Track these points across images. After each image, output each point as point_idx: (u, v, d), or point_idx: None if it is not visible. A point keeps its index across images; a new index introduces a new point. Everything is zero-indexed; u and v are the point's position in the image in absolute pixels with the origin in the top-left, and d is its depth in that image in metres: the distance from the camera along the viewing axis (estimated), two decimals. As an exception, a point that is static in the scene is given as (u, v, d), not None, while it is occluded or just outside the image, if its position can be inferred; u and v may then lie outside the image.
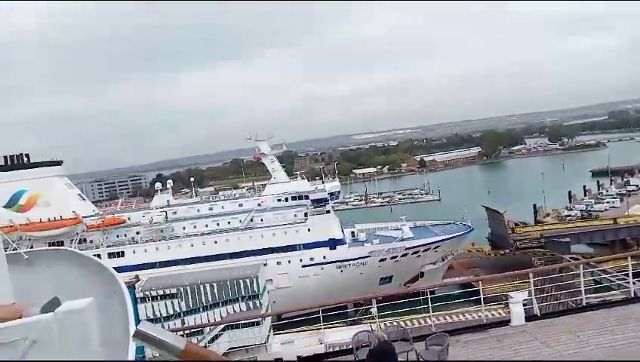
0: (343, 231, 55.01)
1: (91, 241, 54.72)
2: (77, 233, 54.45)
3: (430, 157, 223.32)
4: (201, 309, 33.91)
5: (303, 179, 61.62)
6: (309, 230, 52.47)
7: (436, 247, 53.83)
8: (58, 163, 60.09)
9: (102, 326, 2.59)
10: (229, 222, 54.09)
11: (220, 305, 33.70)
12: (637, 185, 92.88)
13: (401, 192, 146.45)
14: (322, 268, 51.84)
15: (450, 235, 54.96)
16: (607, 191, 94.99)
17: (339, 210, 73.71)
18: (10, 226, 48.97)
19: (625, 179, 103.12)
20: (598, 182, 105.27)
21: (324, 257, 52.04)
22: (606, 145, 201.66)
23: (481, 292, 14.16)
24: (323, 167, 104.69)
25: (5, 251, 3.87)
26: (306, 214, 53.72)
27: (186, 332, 22.90)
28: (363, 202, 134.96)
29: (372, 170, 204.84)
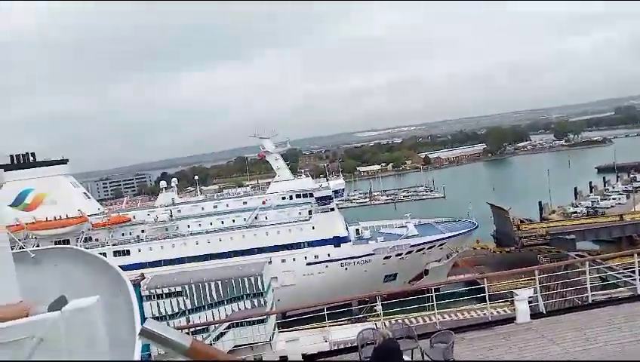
0: (347, 228, 55.03)
1: (97, 240, 55.04)
2: (83, 231, 54.81)
3: (435, 154, 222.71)
4: (206, 307, 34.06)
5: (308, 176, 61.70)
6: (313, 228, 52.51)
7: (441, 245, 53.72)
8: (64, 162, 60.40)
9: (108, 324, 2.60)
10: (233, 220, 54.24)
11: (225, 302, 33.84)
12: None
13: (406, 189, 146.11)
14: (327, 266, 51.88)
15: (455, 233, 54.87)
16: (614, 187, 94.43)
17: (343, 208, 73.63)
18: (17, 225, 49.35)
19: (631, 176, 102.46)
20: (604, 178, 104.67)
21: (329, 255, 52.07)
22: (612, 141, 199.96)
23: (486, 290, 14.11)
24: (327, 165, 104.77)
25: (12, 250, 3.89)
26: (310, 212, 53.75)
27: (192, 329, 22.98)
28: (367, 200, 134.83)
29: (376, 167, 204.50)
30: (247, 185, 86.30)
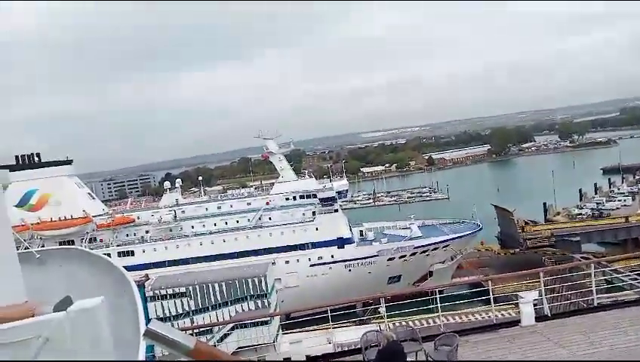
0: (351, 230, 54.95)
1: (101, 240, 55.25)
2: (87, 232, 55.03)
3: (439, 155, 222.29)
4: (210, 308, 34.10)
5: (311, 177, 61.63)
6: (317, 229, 52.49)
7: (445, 246, 53.57)
8: (68, 162, 60.70)
9: (113, 325, 2.61)
10: (237, 221, 54.29)
11: (229, 304, 33.86)
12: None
13: (410, 191, 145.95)
14: (330, 268, 51.83)
15: (459, 234, 54.67)
16: (619, 189, 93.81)
17: (347, 209, 73.66)
18: (22, 225, 49.60)
19: (637, 177, 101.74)
20: (609, 179, 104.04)
21: (333, 256, 52.02)
22: (617, 143, 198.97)
23: (491, 292, 14.07)
24: (331, 166, 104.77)
25: (17, 250, 3.91)
26: (314, 213, 53.74)
27: (195, 331, 23.02)
28: (371, 201, 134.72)
29: (380, 168, 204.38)
30: (251, 186, 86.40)
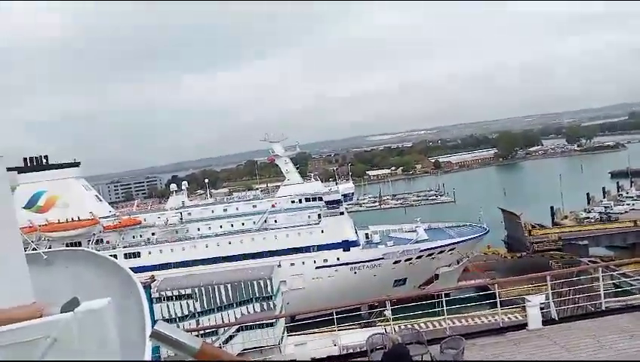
0: (356, 232, 54.92)
1: (108, 242, 55.56)
2: (94, 234, 55.38)
3: (445, 158, 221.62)
4: (216, 310, 34.21)
5: (317, 180, 61.68)
6: (322, 231, 52.49)
7: (451, 249, 53.36)
8: (76, 165, 61.23)
9: (119, 326, 2.63)
10: (243, 224, 54.42)
11: (234, 305, 33.96)
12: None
13: (416, 194, 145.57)
14: (336, 270, 51.78)
15: (466, 237, 54.45)
16: (627, 192, 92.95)
17: (353, 212, 73.51)
18: (30, 227, 50.04)
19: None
20: (617, 183, 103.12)
21: (338, 259, 51.98)
22: (626, 146, 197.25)
23: (497, 296, 13.99)
24: (336, 169, 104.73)
25: (25, 251, 3.94)
26: (319, 216, 53.74)
27: (201, 332, 23.09)
28: (377, 204, 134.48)
29: (386, 171, 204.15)
30: (257, 189, 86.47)
